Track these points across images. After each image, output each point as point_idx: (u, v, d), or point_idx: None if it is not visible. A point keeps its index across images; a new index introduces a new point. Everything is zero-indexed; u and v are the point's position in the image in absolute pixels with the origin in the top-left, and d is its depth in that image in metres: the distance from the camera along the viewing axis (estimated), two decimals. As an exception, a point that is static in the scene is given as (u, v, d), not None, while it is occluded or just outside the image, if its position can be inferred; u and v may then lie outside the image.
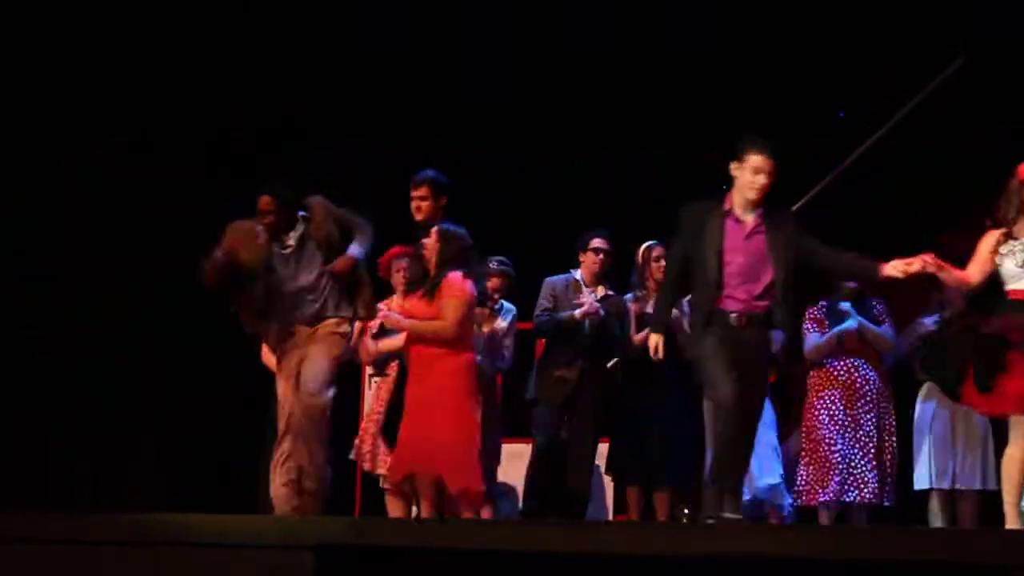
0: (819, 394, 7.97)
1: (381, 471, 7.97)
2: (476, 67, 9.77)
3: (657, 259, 7.96)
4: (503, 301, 8.04)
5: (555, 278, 8.00)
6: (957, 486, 7.72)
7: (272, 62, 9.92)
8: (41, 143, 9.79)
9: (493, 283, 7.91)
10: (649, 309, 7.89)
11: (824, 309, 8.10)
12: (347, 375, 8.40)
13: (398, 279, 8.11)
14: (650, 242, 8.05)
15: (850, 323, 7.97)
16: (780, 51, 9.40)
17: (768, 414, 8.04)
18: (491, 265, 7.91)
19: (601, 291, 7.96)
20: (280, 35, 9.91)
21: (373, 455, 8.04)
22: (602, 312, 7.80)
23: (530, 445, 7.95)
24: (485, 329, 7.80)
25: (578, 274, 7.98)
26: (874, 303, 8.07)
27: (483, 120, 9.82)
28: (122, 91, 9.88)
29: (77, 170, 9.87)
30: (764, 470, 7.98)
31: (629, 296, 8.05)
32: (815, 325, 8.09)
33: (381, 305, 8.21)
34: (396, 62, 9.93)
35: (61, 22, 9.67)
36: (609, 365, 7.92)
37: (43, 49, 9.70)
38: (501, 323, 7.91)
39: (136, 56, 9.84)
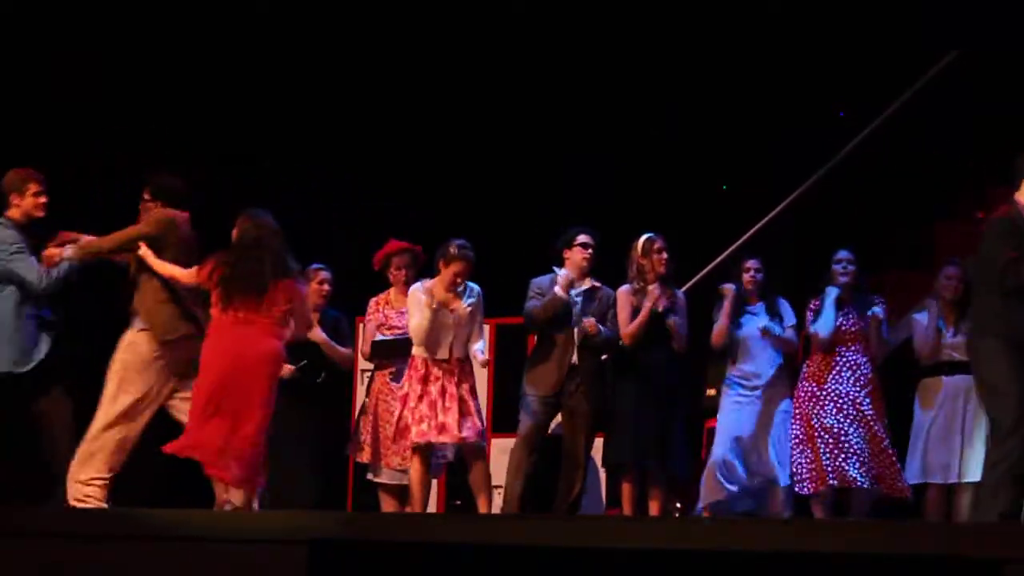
0: (819, 387, 7.94)
1: (379, 463, 7.98)
2: (461, 62, 9.77)
3: (659, 251, 7.89)
4: (468, 283, 7.78)
5: (540, 278, 7.88)
6: (955, 480, 7.71)
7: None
8: (46, 142, 9.79)
9: (457, 267, 7.78)
10: (648, 302, 7.85)
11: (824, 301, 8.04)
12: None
13: (399, 276, 8.10)
14: (649, 234, 7.97)
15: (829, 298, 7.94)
16: (776, 46, 9.41)
17: (789, 408, 8.04)
18: (451, 250, 7.79)
19: (588, 283, 7.90)
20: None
21: (374, 448, 8.03)
22: (572, 278, 7.73)
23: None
24: (452, 309, 7.71)
25: (562, 272, 7.87)
26: (875, 299, 8.03)
27: (466, 113, 9.83)
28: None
29: (77, 170, 9.85)
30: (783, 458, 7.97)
31: (626, 287, 7.99)
32: (814, 316, 8.05)
33: (373, 301, 8.23)
34: (379, 56, 9.94)
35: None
36: (603, 358, 7.89)
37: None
38: (463, 306, 7.76)
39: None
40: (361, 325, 8.38)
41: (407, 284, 8.00)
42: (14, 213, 7.32)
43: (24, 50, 9.66)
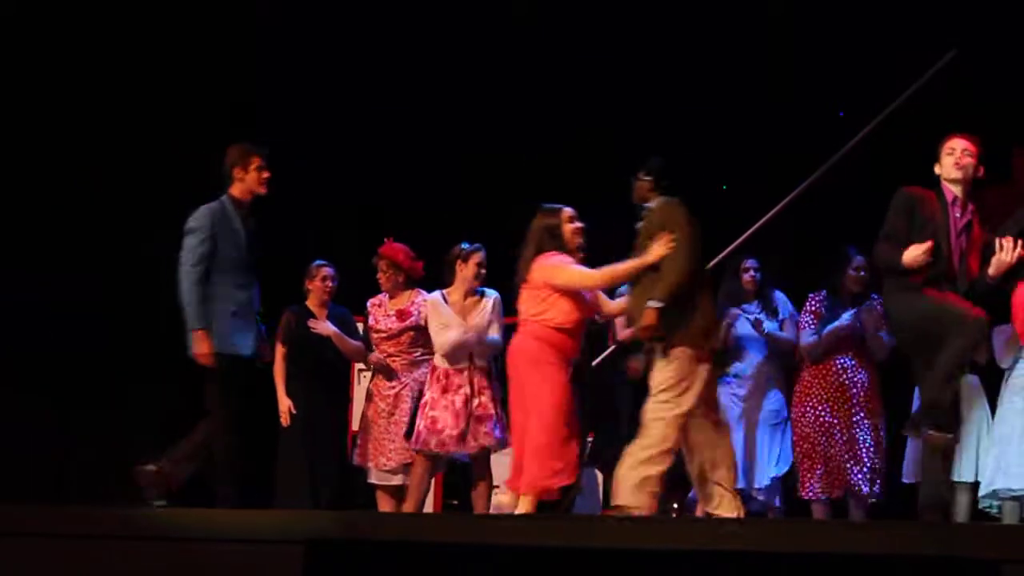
0: (808, 391, 7.96)
1: (368, 464, 7.98)
2: (459, 62, 9.77)
3: None
4: (483, 288, 7.85)
5: None
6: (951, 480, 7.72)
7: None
8: (44, 137, 9.80)
9: (477, 258, 7.75)
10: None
11: (825, 301, 8.04)
12: (336, 373, 8.38)
13: (384, 280, 8.11)
14: None
15: (844, 319, 7.91)
16: (776, 46, 9.40)
17: (780, 406, 8.06)
18: (464, 246, 7.76)
19: None
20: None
21: (363, 449, 8.03)
22: None
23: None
24: (471, 319, 7.72)
25: None
26: (875, 297, 8.02)
27: (465, 113, 9.83)
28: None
29: (80, 156, 9.87)
30: (768, 463, 7.99)
31: (623, 288, 7.98)
32: (813, 319, 8.05)
33: (370, 303, 8.20)
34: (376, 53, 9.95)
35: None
36: (594, 363, 7.89)
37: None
38: (485, 308, 7.78)
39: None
40: (361, 325, 8.39)
41: (393, 288, 8.03)
42: (236, 189, 7.14)
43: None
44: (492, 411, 7.63)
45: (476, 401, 7.62)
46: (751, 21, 9.39)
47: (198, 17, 9.83)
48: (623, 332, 7.87)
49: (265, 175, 7.14)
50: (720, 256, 8.56)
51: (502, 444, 7.64)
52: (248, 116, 9.91)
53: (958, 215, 6.54)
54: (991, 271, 6.47)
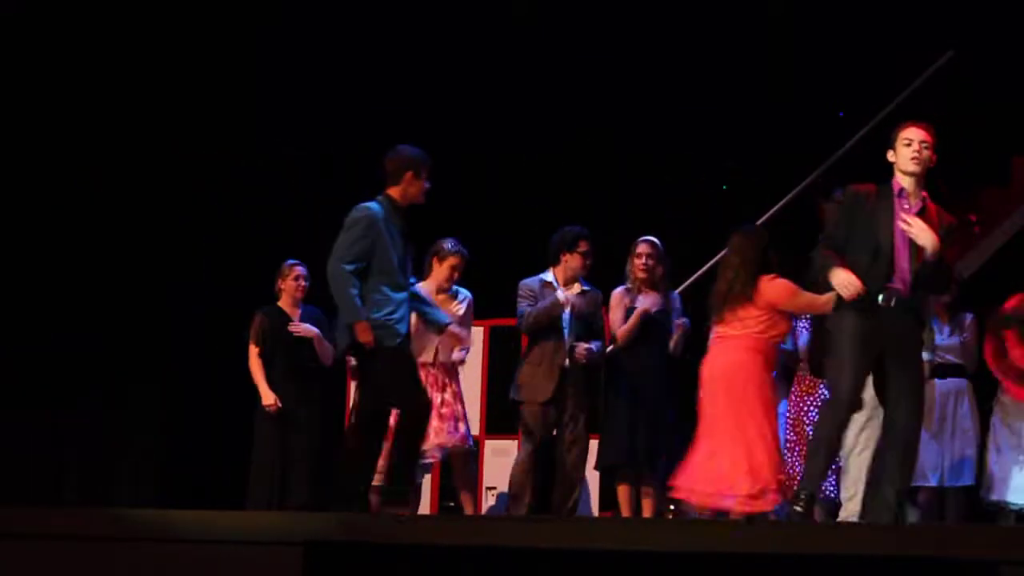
0: (805, 388, 7.93)
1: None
2: (456, 62, 9.78)
3: (638, 256, 7.89)
4: (457, 287, 7.90)
5: (529, 280, 7.87)
6: (948, 484, 7.71)
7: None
8: (42, 141, 9.81)
9: (453, 261, 7.75)
10: (638, 303, 7.83)
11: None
12: (312, 373, 8.36)
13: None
14: (642, 237, 7.98)
15: None
16: (775, 48, 9.41)
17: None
18: (446, 247, 7.78)
19: (577, 287, 7.86)
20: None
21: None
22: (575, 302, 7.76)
23: (515, 442, 7.88)
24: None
25: (549, 275, 7.84)
26: None
27: (460, 112, 9.84)
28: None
29: (80, 158, 9.89)
30: None
31: (620, 288, 7.99)
32: (809, 323, 8.03)
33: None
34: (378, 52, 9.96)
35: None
36: (587, 358, 7.89)
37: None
38: (459, 308, 7.77)
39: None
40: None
41: None
42: (398, 192, 6.90)
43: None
44: (456, 409, 7.65)
45: (440, 398, 7.63)
46: (751, 21, 9.39)
47: (198, 17, 9.84)
48: (620, 333, 7.86)
49: (427, 187, 6.96)
50: (718, 257, 8.57)
51: (467, 440, 7.66)
52: (247, 116, 9.92)
53: (907, 206, 6.43)
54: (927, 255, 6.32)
